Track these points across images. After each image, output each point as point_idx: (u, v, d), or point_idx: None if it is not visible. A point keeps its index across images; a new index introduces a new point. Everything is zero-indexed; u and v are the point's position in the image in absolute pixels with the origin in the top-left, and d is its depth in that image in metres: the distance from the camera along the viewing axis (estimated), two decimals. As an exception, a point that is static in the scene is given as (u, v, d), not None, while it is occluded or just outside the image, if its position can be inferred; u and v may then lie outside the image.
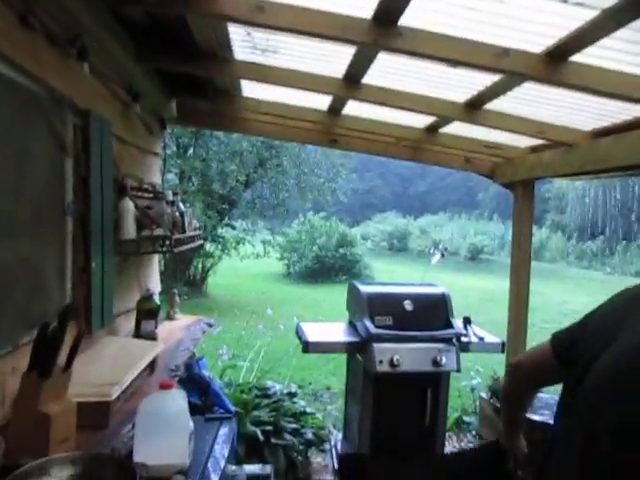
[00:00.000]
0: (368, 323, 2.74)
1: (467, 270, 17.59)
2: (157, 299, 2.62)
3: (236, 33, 2.17)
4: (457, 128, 2.95)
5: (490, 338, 3.08)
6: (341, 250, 14.90)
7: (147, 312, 2.46)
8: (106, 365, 1.85)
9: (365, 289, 2.90)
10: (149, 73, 2.66)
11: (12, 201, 1.52)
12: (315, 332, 2.96)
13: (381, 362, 2.65)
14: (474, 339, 3.01)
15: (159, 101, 3.09)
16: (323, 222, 15.87)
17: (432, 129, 3.07)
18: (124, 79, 2.46)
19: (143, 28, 2.25)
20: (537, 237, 21.26)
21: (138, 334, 2.41)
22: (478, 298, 11.21)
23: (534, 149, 3.00)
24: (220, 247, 10.75)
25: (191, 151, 10.44)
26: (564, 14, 1.48)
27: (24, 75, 1.55)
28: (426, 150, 3.43)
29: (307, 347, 2.82)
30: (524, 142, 2.95)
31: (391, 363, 2.65)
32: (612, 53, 1.65)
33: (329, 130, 3.40)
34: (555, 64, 1.72)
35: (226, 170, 9.98)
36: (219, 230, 10.47)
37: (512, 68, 1.77)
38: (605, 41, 1.55)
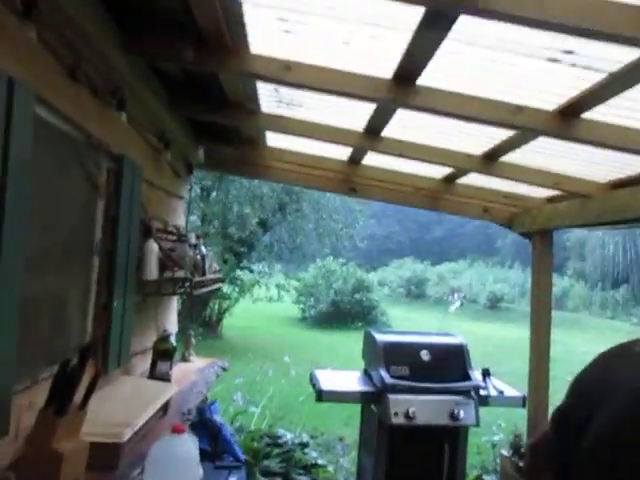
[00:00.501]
0: (383, 373, 2.71)
1: (486, 318, 17.27)
2: (173, 340, 2.65)
3: (264, 88, 2.30)
4: (475, 179, 3.00)
5: (510, 391, 3.00)
6: (357, 295, 14.84)
7: (163, 353, 2.49)
8: (119, 405, 1.87)
9: (381, 337, 2.89)
10: (180, 121, 2.81)
11: (46, 238, 1.60)
12: (329, 380, 2.93)
13: (396, 414, 2.60)
14: (493, 392, 2.94)
15: (188, 147, 3.24)
16: (340, 267, 15.91)
17: (450, 179, 3.13)
18: (157, 127, 2.60)
19: (177, 80, 2.40)
20: (559, 286, 20.87)
21: (153, 375, 2.43)
22: (498, 347, 10.96)
23: (551, 199, 3.02)
24: (237, 289, 10.83)
25: (214, 194, 10.73)
26: (574, 75, 1.55)
27: (67, 122, 1.66)
28: (444, 200, 3.48)
29: (321, 395, 2.79)
30: (541, 193, 2.98)
31: (406, 415, 2.60)
32: (622, 110, 1.70)
33: (349, 179, 3.49)
34: (567, 121, 1.78)
35: (244, 213, 10.21)
36: (237, 272, 10.59)
37: (526, 124, 1.82)
38: (614, 100, 1.60)
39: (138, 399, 1.95)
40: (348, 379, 3.06)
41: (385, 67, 1.78)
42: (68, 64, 1.60)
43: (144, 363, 2.56)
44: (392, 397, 2.63)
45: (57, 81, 1.55)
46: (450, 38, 1.47)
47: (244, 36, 1.79)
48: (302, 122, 2.58)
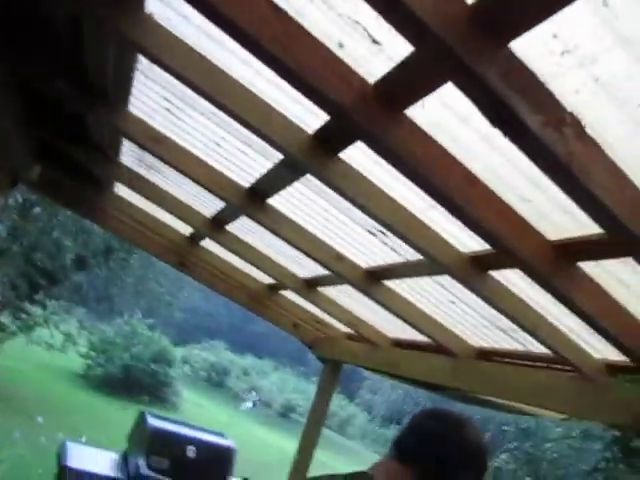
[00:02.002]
0: (142, 462, 2.56)
1: (276, 426, 17.29)
2: None
3: (131, 143, 2.31)
4: (294, 295, 3.25)
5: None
6: (154, 366, 13.81)
7: None
8: None
9: (153, 422, 2.76)
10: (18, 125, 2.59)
11: None
12: (80, 457, 2.66)
13: (138, 509, 2.43)
14: (243, 505, 2.94)
15: (18, 157, 2.95)
16: (147, 331, 14.76)
17: (273, 287, 3.34)
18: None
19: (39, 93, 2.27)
20: (346, 411, 22.11)
21: None
22: (277, 459, 10.91)
23: (350, 337, 3.38)
24: (19, 323, 9.35)
25: (37, 210, 9.59)
26: (384, 250, 1.91)
27: None
28: (263, 305, 3.65)
29: (63, 472, 2.50)
30: (343, 327, 3.33)
31: (148, 513, 2.44)
32: (413, 288, 2.10)
33: (182, 253, 3.49)
34: (372, 281, 2.12)
35: (62, 243, 9.21)
36: (26, 305, 9.21)
37: (341, 271, 2.12)
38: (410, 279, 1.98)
39: None
40: (102, 460, 2.80)
41: (245, 177, 1.97)
42: None
43: None
44: (140, 491, 2.47)
45: None
46: (302, 182, 1.72)
47: (127, 93, 1.84)
48: (156, 187, 2.60)
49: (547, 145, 0.85)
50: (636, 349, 1.46)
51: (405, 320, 2.22)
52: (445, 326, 2.28)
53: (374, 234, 1.81)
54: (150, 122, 1.94)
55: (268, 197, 1.98)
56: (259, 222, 2.08)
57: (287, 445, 13.55)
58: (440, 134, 1.15)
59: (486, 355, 2.28)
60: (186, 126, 1.87)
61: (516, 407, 2.67)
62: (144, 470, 2.48)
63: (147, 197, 2.66)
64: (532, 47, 0.83)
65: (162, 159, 1.99)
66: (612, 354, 1.65)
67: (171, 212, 2.70)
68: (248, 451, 8.95)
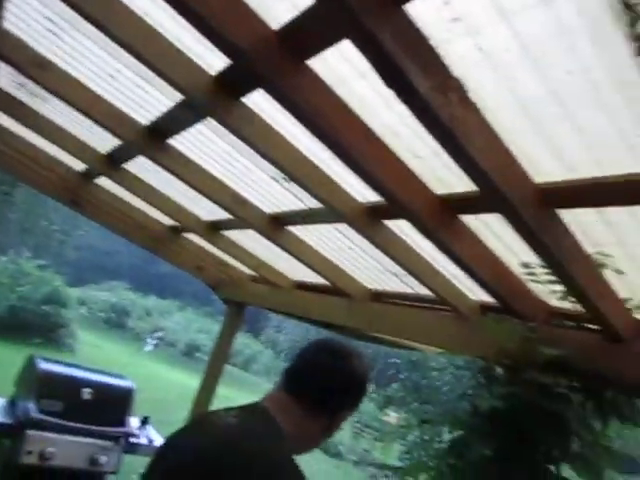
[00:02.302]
0: (31, 405, 2.48)
1: (180, 365, 17.33)
2: None
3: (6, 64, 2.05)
4: (197, 237, 3.20)
5: (160, 442, 3.10)
6: (46, 308, 12.96)
7: None
8: None
9: (43, 365, 2.65)
10: None
11: None
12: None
13: (30, 453, 2.37)
14: (144, 441, 2.98)
15: None
16: (36, 270, 13.64)
17: (176, 230, 3.26)
18: None
19: None
20: (252, 349, 22.72)
21: None
22: (180, 396, 11.03)
23: (254, 279, 3.44)
24: None
25: None
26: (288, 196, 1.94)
27: None
28: (166, 246, 3.56)
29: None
30: (247, 270, 3.38)
31: (41, 455, 2.40)
32: (314, 233, 2.18)
33: (74, 190, 3.25)
34: (277, 229, 2.16)
35: None
36: None
37: (244, 216, 2.13)
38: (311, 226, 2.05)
39: None
40: (-13, 405, 2.67)
41: (144, 115, 1.85)
42: None
43: None
44: (31, 433, 2.40)
45: None
46: (205, 123, 1.66)
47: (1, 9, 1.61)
48: (40, 117, 2.36)
49: (433, 108, 0.91)
50: (504, 293, 1.66)
51: (306, 264, 2.31)
52: (343, 270, 2.40)
53: (278, 181, 1.82)
54: (33, 45, 1.73)
55: (168, 137, 1.89)
56: (159, 162, 1.99)
57: (191, 383, 13.72)
58: (341, 88, 1.17)
59: (379, 297, 2.47)
60: (75, 53, 1.70)
61: (404, 343, 2.94)
62: (35, 413, 2.41)
63: (30, 127, 2.41)
64: (426, 12, 0.87)
65: (47, 88, 1.80)
66: (485, 296, 1.86)
67: (60, 146, 2.48)
68: (150, 390, 8.97)
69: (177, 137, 1.85)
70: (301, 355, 1.14)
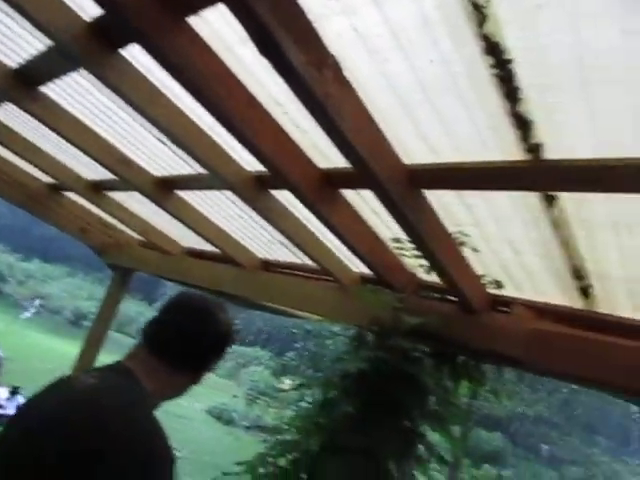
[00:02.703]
0: None
1: (65, 333, 16.25)
2: None
3: None
4: (79, 197, 2.99)
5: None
6: None
7: None
8: None
9: None
10: None
11: None
12: None
13: None
14: (10, 411, 2.79)
15: None
16: None
17: (55, 188, 3.01)
18: None
19: None
20: (145, 317, 21.89)
21: None
22: (60, 365, 10.37)
23: (143, 244, 3.30)
24: None
25: None
26: (174, 159, 1.87)
27: None
28: (46, 206, 3.28)
29: None
30: (135, 234, 3.23)
31: None
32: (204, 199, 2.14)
33: None
34: (164, 192, 2.08)
35: None
36: None
37: (130, 178, 2.02)
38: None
39: None
40: None
41: (11, 56, 1.67)
42: None
43: None
44: None
45: None
46: (84, 75, 1.54)
47: None
48: None
49: (308, 84, 0.94)
50: (379, 265, 1.77)
51: (196, 231, 2.27)
52: (234, 238, 2.40)
53: (164, 143, 1.75)
54: None
55: (40, 84, 1.72)
56: (30, 112, 1.81)
57: (75, 352, 12.96)
58: (226, 53, 1.14)
59: (268, 266, 2.50)
60: None
61: (291, 312, 3.03)
62: None
63: None
64: (303, -16, 0.88)
65: None
66: (365, 268, 1.97)
67: None
68: (27, 360, 8.38)
69: (51, 85, 1.70)
70: (162, 314, 1.12)
